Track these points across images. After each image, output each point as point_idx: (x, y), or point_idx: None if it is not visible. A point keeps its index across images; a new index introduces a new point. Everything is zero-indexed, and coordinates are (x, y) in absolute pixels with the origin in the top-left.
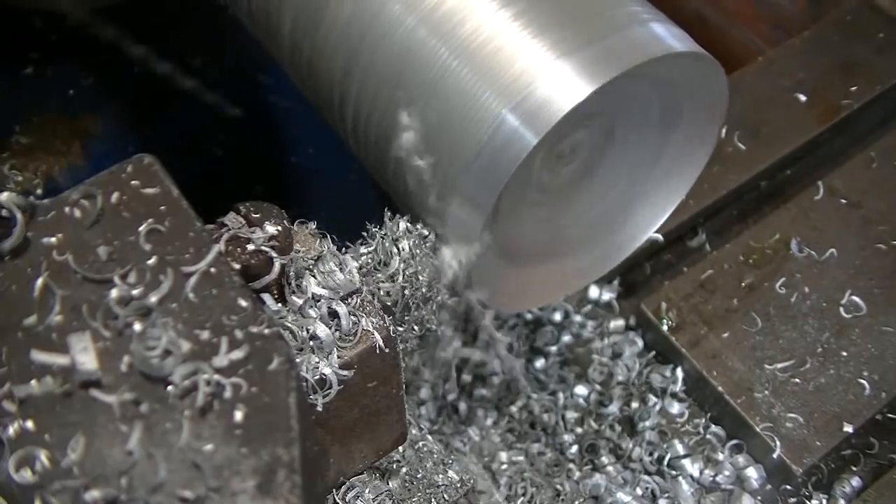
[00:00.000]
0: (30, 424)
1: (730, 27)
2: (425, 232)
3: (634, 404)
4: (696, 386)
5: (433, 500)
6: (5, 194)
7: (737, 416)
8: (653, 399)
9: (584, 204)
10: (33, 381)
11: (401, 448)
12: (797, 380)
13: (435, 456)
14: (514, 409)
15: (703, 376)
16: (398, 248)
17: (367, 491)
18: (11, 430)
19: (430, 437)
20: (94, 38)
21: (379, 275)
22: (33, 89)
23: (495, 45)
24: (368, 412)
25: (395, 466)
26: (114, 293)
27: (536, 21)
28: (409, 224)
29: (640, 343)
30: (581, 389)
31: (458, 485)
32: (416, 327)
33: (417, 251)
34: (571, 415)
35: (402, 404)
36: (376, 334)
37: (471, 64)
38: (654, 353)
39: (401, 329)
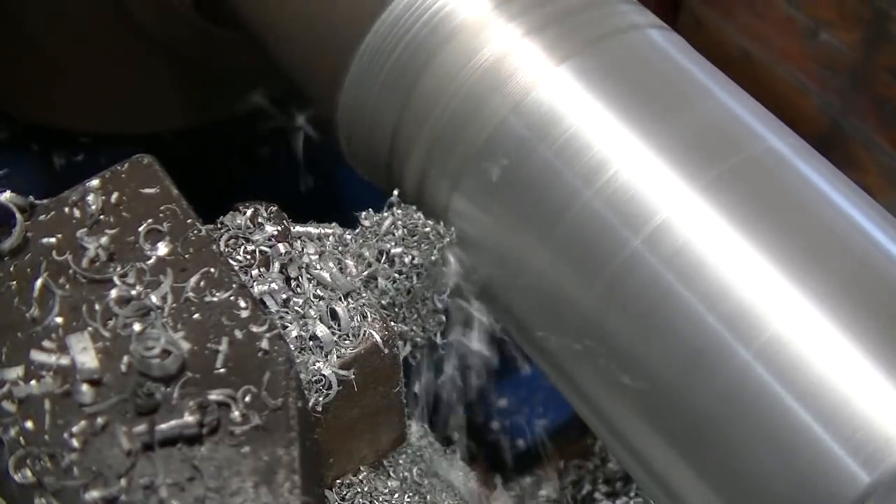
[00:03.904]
0: (30, 424)
1: (776, 65)
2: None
3: None
4: None
5: (433, 499)
6: (5, 194)
7: None
8: None
9: None
10: (33, 381)
11: (400, 448)
12: None
13: (436, 456)
14: None
15: None
16: (394, 243)
17: (366, 491)
18: (12, 430)
19: (430, 436)
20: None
21: (381, 273)
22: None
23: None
24: (368, 412)
25: (394, 466)
26: (113, 293)
27: (853, 323)
28: (402, 219)
29: None
30: None
31: (459, 485)
32: (415, 328)
33: (415, 247)
34: None
35: (402, 404)
36: (376, 334)
37: (793, 388)
38: None
39: (403, 328)
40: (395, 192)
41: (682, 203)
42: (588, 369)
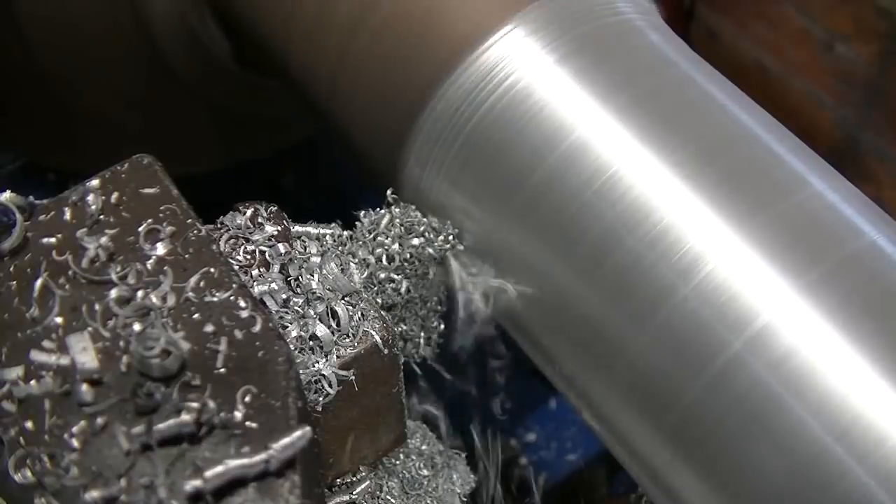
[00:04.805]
0: (30, 424)
1: (791, 78)
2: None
3: None
4: None
5: (433, 500)
6: (5, 194)
7: None
8: None
9: None
10: (33, 381)
11: (400, 448)
12: None
13: (435, 456)
14: None
15: None
16: (391, 241)
17: (365, 491)
18: (12, 430)
19: (431, 436)
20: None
21: (380, 272)
22: None
23: None
24: (368, 412)
25: (394, 466)
26: (113, 293)
27: None
28: (399, 217)
29: None
30: None
31: (459, 485)
32: (415, 327)
33: (412, 245)
34: None
35: (402, 404)
36: (376, 335)
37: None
38: None
39: (403, 327)
40: (390, 191)
41: (785, 305)
42: (681, 469)
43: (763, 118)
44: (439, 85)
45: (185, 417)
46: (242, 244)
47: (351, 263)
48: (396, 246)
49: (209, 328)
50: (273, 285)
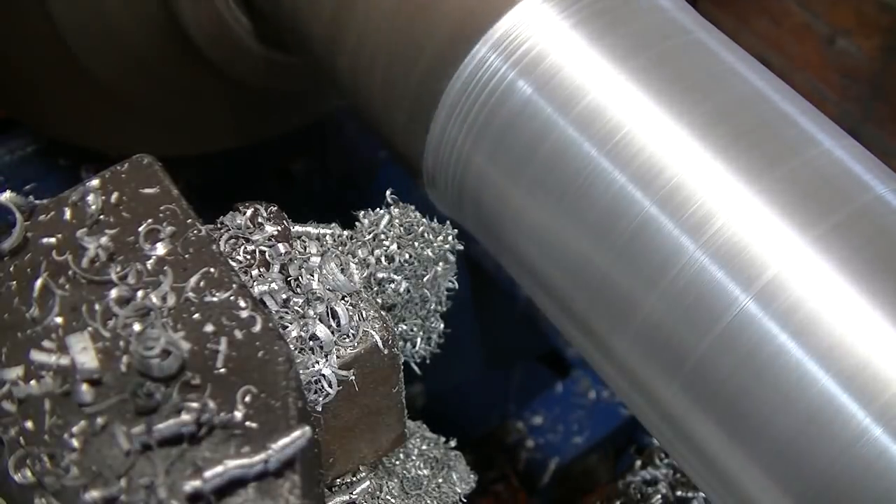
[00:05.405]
0: (30, 424)
1: (794, 74)
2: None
3: None
4: None
5: (433, 500)
6: (5, 194)
7: None
8: None
9: None
10: (33, 381)
11: (400, 448)
12: None
13: (435, 456)
14: None
15: None
16: (391, 241)
17: (365, 491)
18: (12, 430)
19: (431, 436)
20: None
21: (380, 273)
22: None
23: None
24: (368, 412)
25: (394, 466)
26: (113, 293)
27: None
28: (399, 217)
29: None
30: None
31: (458, 486)
32: (415, 328)
33: (410, 246)
34: None
35: (402, 404)
36: (376, 335)
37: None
38: None
39: (403, 327)
40: (389, 192)
41: (794, 257)
42: (696, 416)
43: (773, 80)
44: (458, 55)
45: (185, 417)
46: (242, 244)
47: (351, 263)
48: (395, 247)
49: (209, 328)
50: (273, 285)
